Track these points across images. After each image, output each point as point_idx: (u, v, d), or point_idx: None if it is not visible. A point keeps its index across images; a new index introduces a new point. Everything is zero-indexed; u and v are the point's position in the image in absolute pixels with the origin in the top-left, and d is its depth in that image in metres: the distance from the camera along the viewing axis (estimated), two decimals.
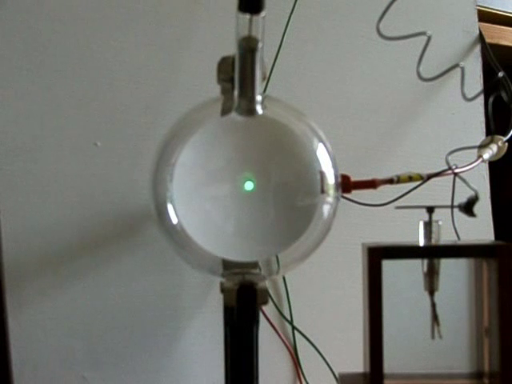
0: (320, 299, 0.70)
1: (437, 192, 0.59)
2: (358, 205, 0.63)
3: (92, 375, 0.60)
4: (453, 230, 0.62)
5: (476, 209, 0.47)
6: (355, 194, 0.57)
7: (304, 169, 0.48)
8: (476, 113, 0.79)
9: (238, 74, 0.43)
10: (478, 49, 0.80)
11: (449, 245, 0.46)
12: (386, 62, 0.75)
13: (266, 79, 0.64)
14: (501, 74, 0.66)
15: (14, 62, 0.58)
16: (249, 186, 0.46)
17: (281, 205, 0.47)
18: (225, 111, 0.48)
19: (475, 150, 0.65)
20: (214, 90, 0.52)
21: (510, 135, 0.67)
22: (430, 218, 0.47)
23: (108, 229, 0.61)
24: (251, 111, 0.46)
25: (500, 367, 0.44)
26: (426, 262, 0.47)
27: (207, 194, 0.47)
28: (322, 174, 0.47)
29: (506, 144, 0.66)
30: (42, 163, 0.59)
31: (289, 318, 0.68)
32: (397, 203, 0.57)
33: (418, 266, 0.48)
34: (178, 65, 0.65)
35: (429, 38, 0.54)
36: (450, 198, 0.55)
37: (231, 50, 0.44)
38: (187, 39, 0.66)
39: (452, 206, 0.51)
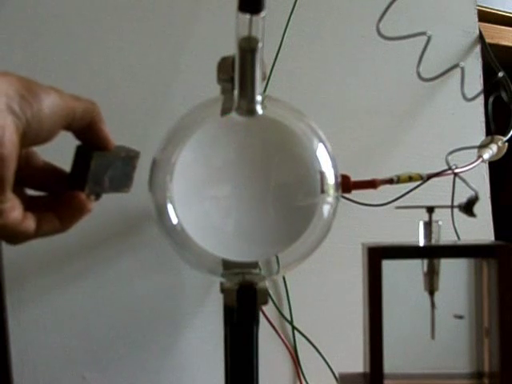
0: (320, 299, 0.70)
1: (437, 192, 0.59)
2: (358, 205, 0.63)
3: (92, 375, 0.60)
4: (453, 230, 0.62)
5: (476, 209, 0.47)
6: (355, 194, 0.57)
7: (304, 169, 0.48)
8: (476, 113, 0.79)
9: (238, 74, 0.43)
10: (478, 49, 0.80)
11: (449, 245, 0.46)
12: (386, 62, 0.75)
13: (266, 79, 0.64)
14: (501, 74, 0.66)
15: (14, 62, 0.58)
16: None
17: (281, 205, 0.47)
18: (225, 111, 0.48)
19: (475, 150, 0.65)
20: (214, 90, 0.52)
21: (510, 135, 0.67)
22: (430, 218, 0.47)
23: (108, 229, 0.61)
24: (251, 111, 0.46)
25: (500, 367, 0.44)
26: (425, 262, 0.47)
27: (207, 194, 0.47)
28: (321, 173, 0.47)
29: (506, 144, 0.66)
30: None
31: (289, 318, 0.68)
32: (397, 203, 0.57)
33: (418, 266, 0.48)
34: (177, 65, 0.65)
35: (429, 38, 0.54)
36: (450, 198, 0.55)
37: (231, 49, 0.44)
38: (187, 39, 0.66)
39: (452, 206, 0.51)
